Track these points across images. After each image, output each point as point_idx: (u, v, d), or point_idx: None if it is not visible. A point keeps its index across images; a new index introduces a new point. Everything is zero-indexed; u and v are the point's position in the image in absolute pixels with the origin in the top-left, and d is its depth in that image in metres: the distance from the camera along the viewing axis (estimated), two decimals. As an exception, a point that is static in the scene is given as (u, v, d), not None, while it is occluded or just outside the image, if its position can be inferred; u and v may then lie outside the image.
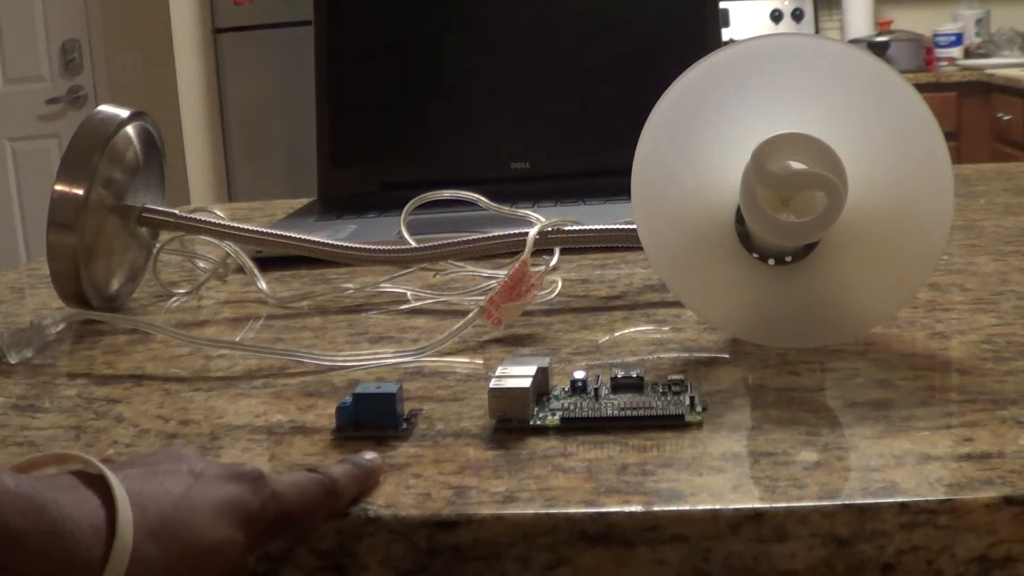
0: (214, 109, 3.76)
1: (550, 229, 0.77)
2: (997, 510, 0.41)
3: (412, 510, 0.43)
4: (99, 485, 0.37)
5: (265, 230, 0.80)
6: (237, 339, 0.71)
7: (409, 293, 0.79)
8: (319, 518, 0.43)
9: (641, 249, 0.62)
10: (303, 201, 1.20)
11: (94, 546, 0.35)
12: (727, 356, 0.61)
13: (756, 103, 0.58)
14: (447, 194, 0.84)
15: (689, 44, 1.12)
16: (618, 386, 0.53)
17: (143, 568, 0.35)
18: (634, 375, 0.54)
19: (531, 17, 1.16)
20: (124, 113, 0.78)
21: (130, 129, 0.79)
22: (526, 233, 0.75)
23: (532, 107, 1.15)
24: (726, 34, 3.69)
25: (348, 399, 0.52)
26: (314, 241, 0.79)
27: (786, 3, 3.99)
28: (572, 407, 0.52)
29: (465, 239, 0.77)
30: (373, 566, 0.43)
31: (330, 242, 0.79)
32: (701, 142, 0.59)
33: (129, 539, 0.35)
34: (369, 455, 0.46)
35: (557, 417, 0.51)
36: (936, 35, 3.88)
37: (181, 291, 0.85)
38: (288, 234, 0.80)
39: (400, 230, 0.83)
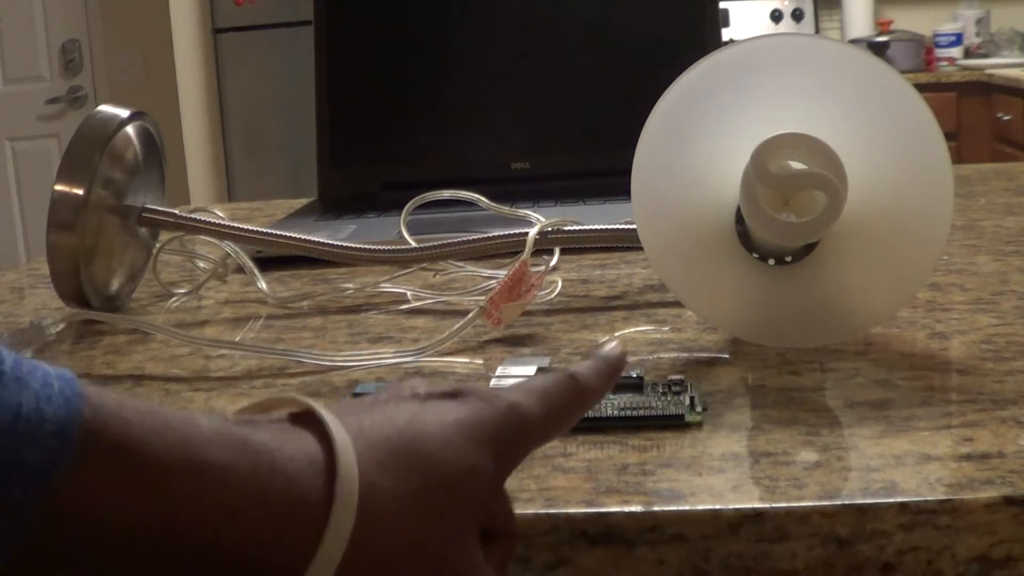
0: (214, 109, 3.76)
1: (550, 229, 0.77)
2: (997, 510, 0.41)
3: (412, 510, 0.43)
4: (312, 422, 0.33)
5: (265, 230, 0.80)
6: (237, 339, 0.71)
7: (409, 293, 0.79)
8: (570, 421, 0.38)
9: (641, 249, 0.62)
10: (303, 201, 1.20)
11: (314, 483, 0.31)
12: (727, 356, 0.61)
13: (756, 103, 0.58)
14: (447, 194, 0.84)
15: (689, 44, 1.12)
16: (618, 386, 0.53)
17: (378, 505, 0.31)
18: (634, 375, 0.54)
19: (531, 17, 1.16)
20: (124, 113, 0.78)
21: (130, 129, 0.79)
22: (526, 233, 0.75)
23: (532, 107, 1.15)
24: (726, 34, 3.69)
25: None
26: (314, 241, 0.79)
27: (786, 3, 3.99)
28: (572, 407, 0.52)
29: (465, 239, 0.77)
30: (373, 566, 0.43)
31: (330, 242, 0.79)
32: (701, 142, 0.59)
33: (354, 473, 0.31)
34: (610, 345, 0.41)
35: (557, 417, 0.51)
36: (936, 35, 3.88)
37: (181, 291, 0.85)
38: (288, 234, 0.80)
39: (400, 230, 0.83)
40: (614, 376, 0.41)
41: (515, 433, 0.35)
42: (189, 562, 0.29)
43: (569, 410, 0.38)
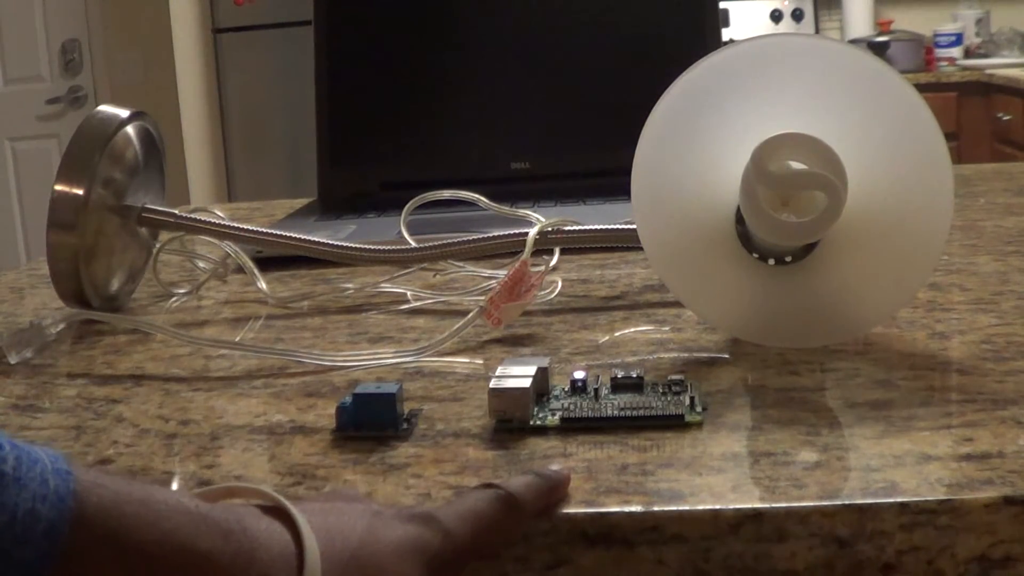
0: (214, 109, 3.76)
1: (550, 229, 0.77)
2: (997, 510, 0.41)
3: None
4: (282, 516, 0.36)
5: (265, 230, 0.80)
6: (237, 339, 0.71)
7: (409, 293, 0.79)
8: (503, 539, 0.41)
9: (641, 249, 0.62)
10: (303, 201, 1.20)
11: (285, 574, 0.34)
12: (727, 356, 0.61)
13: (756, 103, 0.58)
14: (447, 194, 0.84)
15: (689, 44, 1.12)
16: (618, 386, 0.53)
17: None
18: (634, 375, 0.54)
19: (531, 17, 1.16)
20: (124, 113, 0.78)
21: (130, 129, 0.79)
22: (526, 233, 0.75)
23: (532, 107, 1.14)
24: (726, 34, 3.69)
25: (348, 399, 0.52)
26: (314, 241, 0.79)
27: (786, 3, 3.98)
28: (572, 407, 0.52)
29: (465, 239, 0.77)
30: (373, 566, 0.43)
31: (330, 242, 0.79)
32: (701, 142, 0.59)
33: (318, 569, 0.35)
34: (555, 467, 0.44)
35: (557, 417, 0.51)
36: (936, 35, 3.87)
37: (181, 291, 0.85)
38: (288, 234, 0.80)
39: (400, 230, 0.83)
40: (553, 496, 0.43)
41: (448, 557, 0.39)
42: None
43: (501, 530, 0.41)
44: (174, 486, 0.47)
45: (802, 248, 0.58)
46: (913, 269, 0.59)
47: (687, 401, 0.51)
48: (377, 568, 0.36)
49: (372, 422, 0.51)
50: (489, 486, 0.42)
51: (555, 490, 0.43)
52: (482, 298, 0.66)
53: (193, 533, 0.33)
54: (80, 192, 0.73)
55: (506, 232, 0.77)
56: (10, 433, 0.54)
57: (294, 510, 0.36)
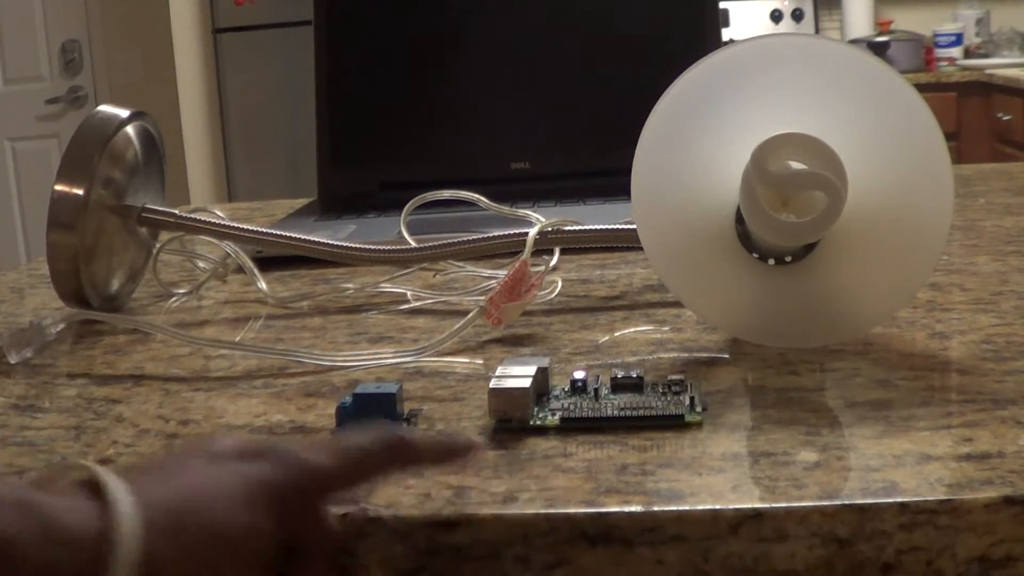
0: (214, 109, 3.76)
1: (550, 229, 0.77)
2: (997, 510, 0.41)
3: (412, 510, 0.43)
4: (99, 489, 0.35)
5: (265, 230, 0.80)
6: (237, 339, 0.71)
7: (409, 293, 0.79)
8: (376, 473, 0.40)
9: (641, 249, 0.62)
10: (303, 201, 1.20)
11: (96, 550, 0.33)
12: (727, 356, 0.61)
13: (756, 103, 0.58)
14: (447, 194, 0.84)
15: (689, 44, 1.12)
16: (618, 386, 0.53)
17: (156, 570, 0.33)
18: (634, 375, 0.54)
19: (531, 17, 1.16)
20: (124, 113, 0.78)
21: (130, 129, 0.79)
22: (526, 233, 0.75)
23: (532, 107, 1.14)
24: (726, 34, 3.69)
25: (348, 399, 0.52)
26: (314, 241, 0.79)
27: (786, 3, 3.98)
28: (572, 407, 0.52)
29: (465, 239, 0.77)
30: (373, 566, 0.43)
31: (330, 242, 0.79)
32: (701, 142, 0.59)
33: (132, 540, 0.33)
34: (462, 436, 0.44)
35: (557, 417, 0.51)
36: (936, 35, 3.87)
37: (181, 291, 0.85)
38: (288, 234, 0.80)
39: (400, 230, 0.83)
40: (450, 455, 0.42)
41: (304, 490, 0.37)
42: None
43: (375, 464, 0.40)
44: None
45: (802, 248, 0.58)
46: (913, 269, 0.59)
47: (687, 401, 0.51)
48: (211, 523, 0.35)
49: (372, 422, 0.51)
50: (377, 429, 0.42)
51: (453, 451, 0.43)
52: (482, 298, 0.66)
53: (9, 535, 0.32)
54: (80, 192, 0.73)
55: (506, 232, 0.77)
56: (10, 433, 0.54)
57: (106, 477, 0.35)
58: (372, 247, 0.78)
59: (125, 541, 0.33)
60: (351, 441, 0.40)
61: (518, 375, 0.52)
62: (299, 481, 0.37)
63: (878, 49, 3.65)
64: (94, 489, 0.35)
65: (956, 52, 3.83)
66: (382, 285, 0.81)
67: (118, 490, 0.34)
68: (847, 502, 0.41)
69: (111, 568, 0.33)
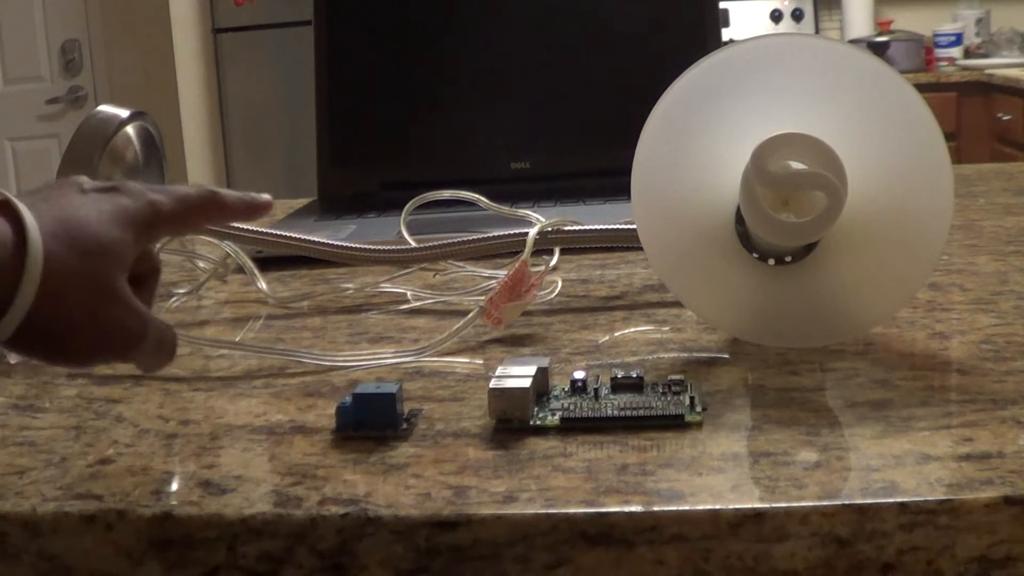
0: (214, 109, 3.76)
1: (550, 229, 0.77)
2: (997, 510, 0.41)
3: (412, 510, 0.43)
4: (6, 210, 0.43)
5: (265, 230, 0.80)
6: (237, 339, 0.71)
7: (409, 293, 0.79)
8: (199, 220, 0.51)
9: (641, 249, 0.62)
10: (303, 201, 1.20)
11: (11, 252, 0.42)
12: (727, 356, 0.61)
13: (756, 103, 0.58)
14: (447, 194, 0.84)
15: (689, 44, 1.12)
16: (618, 386, 0.53)
17: (54, 264, 0.43)
18: (634, 375, 0.54)
19: (531, 17, 1.16)
20: (124, 113, 0.78)
21: (130, 129, 0.79)
22: (526, 233, 0.75)
23: (532, 107, 1.15)
24: (726, 34, 3.69)
25: (348, 399, 0.52)
26: (314, 241, 0.79)
27: (786, 3, 3.99)
28: (572, 407, 0.52)
29: (465, 239, 0.77)
30: (373, 566, 0.43)
31: (330, 242, 0.79)
32: (701, 142, 0.59)
33: (39, 243, 0.42)
34: (263, 195, 0.55)
35: (557, 417, 0.51)
36: (936, 35, 3.88)
37: (181, 291, 0.85)
38: (288, 234, 0.80)
39: (400, 230, 0.83)
40: (251, 210, 0.54)
41: (151, 220, 0.48)
42: None
43: (200, 212, 0.51)
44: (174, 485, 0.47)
45: (802, 248, 0.58)
46: (913, 269, 0.59)
47: (687, 401, 0.51)
48: (87, 232, 0.44)
49: (372, 422, 0.51)
50: (201, 185, 0.52)
51: (255, 207, 0.54)
52: (482, 298, 0.66)
53: None
54: (80, 192, 0.73)
55: (506, 232, 0.77)
56: (10, 433, 0.54)
57: (11, 197, 0.44)
58: (372, 247, 0.78)
59: (34, 244, 0.42)
60: (181, 191, 0.50)
61: (518, 375, 0.52)
62: (146, 212, 0.47)
63: (878, 49, 3.65)
64: (4, 210, 0.43)
65: (956, 52, 3.83)
66: (382, 285, 0.81)
67: (21, 207, 0.43)
68: (847, 502, 0.41)
69: (27, 266, 0.42)
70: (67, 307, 0.44)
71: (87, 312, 0.45)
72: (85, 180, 0.48)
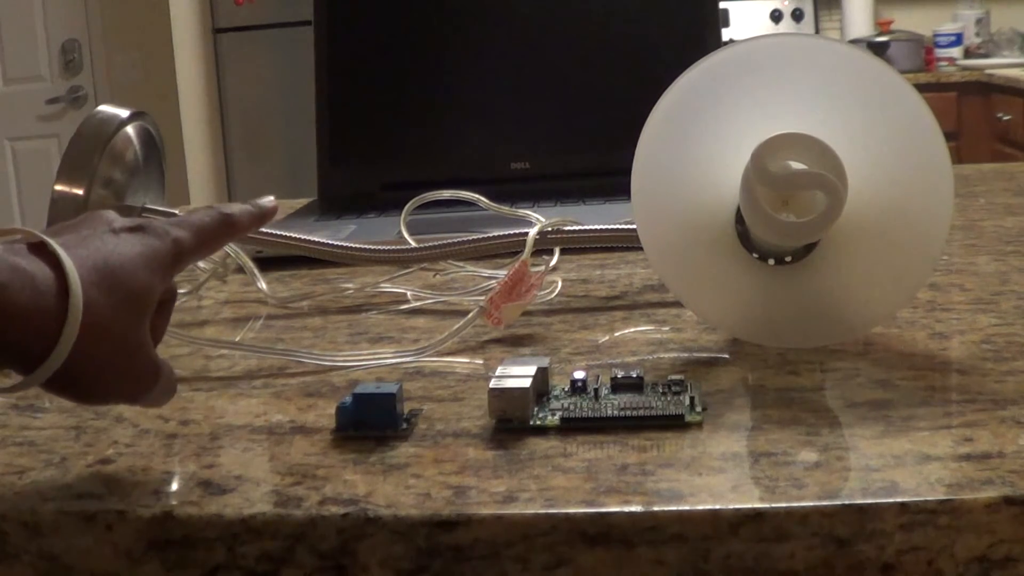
0: (214, 109, 3.76)
1: (550, 229, 0.77)
2: (997, 510, 0.41)
3: (412, 510, 0.43)
4: (44, 251, 0.44)
5: (265, 230, 0.80)
6: (237, 339, 0.71)
7: (409, 293, 0.79)
8: (217, 245, 0.52)
9: (641, 249, 0.62)
10: (303, 201, 1.20)
11: (54, 298, 0.43)
12: (727, 356, 0.61)
13: (756, 103, 0.58)
14: (447, 194, 0.84)
15: (689, 44, 1.12)
16: (618, 386, 0.53)
17: (94, 312, 0.44)
18: (634, 375, 0.54)
19: (531, 17, 1.16)
20: (124, 113, 0.78)
21: (130, 129, 0.79)
22: (526, 233, 0.75)
23: (532, 107, 1.15)
24: (726, 34, 3.69)
25: (348, 399, 0.52)
26: (314, 241, 0.79)
27: (786, 3, 3.99)
28: (572, 407, 0.52)
29: (465, 239, 0.77)
30: (373, 566, 0.43)
31: (330, 242, 0.79)
32: (701, 142, 0.59)
33: (79, 291, 0.43)
34: (267, 199, 0.55)
35: (557, 417, 0.51)
36: (936, 35, 3.88)
37: (181, 291, 0.85)
38: (288, 234, 0.80)
39: (400, 230, 0.83)
40: (261, 220, 0.54)
41: (176, 258, 0.49)
42: None
43: (217, 237, 0.52)
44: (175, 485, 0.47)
45: (802, 248, 0.58)
46: (913, 269, 0.59)
47: (687, 401, 0.51)
48: (124, 279, 0.45)
49: (372, 422, 0.51)
50: (211, 208, 0.52)
51: (265, 216, 0.54)
52: (482, 298, 0.66)
53: None
54: (80, 192, 0.73)
55: (506, 232, 0.77)
56: (10, 433, 0.54)
57: (54, 243, 0.44)
58: (372, 247, 0.78)
59: (75, 295, 0.43)
60: (198, 221, 0.51)
61: (518, 375, 0.52)
62: (172, 252, 0.48)
63: (878, 49, 3.65)
64: (41, 250, 0.44)
65: (956, 52, 3.83)
66: (382, 285, 0.81)
67: (61, 253, 0.44)
68: (847, 502, 0.41)
69: (68, 318, 0.43)
70: (98, 357, 0.45)
71: (113, 362, 0.46)
72: (114, 218, 0.49)
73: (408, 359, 0.63)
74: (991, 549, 0.41)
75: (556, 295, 0.75)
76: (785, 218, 0.55)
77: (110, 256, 0.46)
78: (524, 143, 1.15)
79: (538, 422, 0.51)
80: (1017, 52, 3.81)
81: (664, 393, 0.53)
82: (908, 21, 3.96)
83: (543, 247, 0.77)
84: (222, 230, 0.52)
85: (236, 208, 0.53)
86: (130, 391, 0.48)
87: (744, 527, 0.41)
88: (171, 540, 0.44)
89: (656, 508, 0.42)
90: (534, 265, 0.71)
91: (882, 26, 3.87)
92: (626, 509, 0.42)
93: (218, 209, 0.52)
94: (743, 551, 0.41)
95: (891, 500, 0.41)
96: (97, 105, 0.84)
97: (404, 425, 0.52)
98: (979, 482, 0.42)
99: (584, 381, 0.54)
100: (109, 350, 0.45)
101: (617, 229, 0.78)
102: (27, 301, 0.42)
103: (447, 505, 0.43)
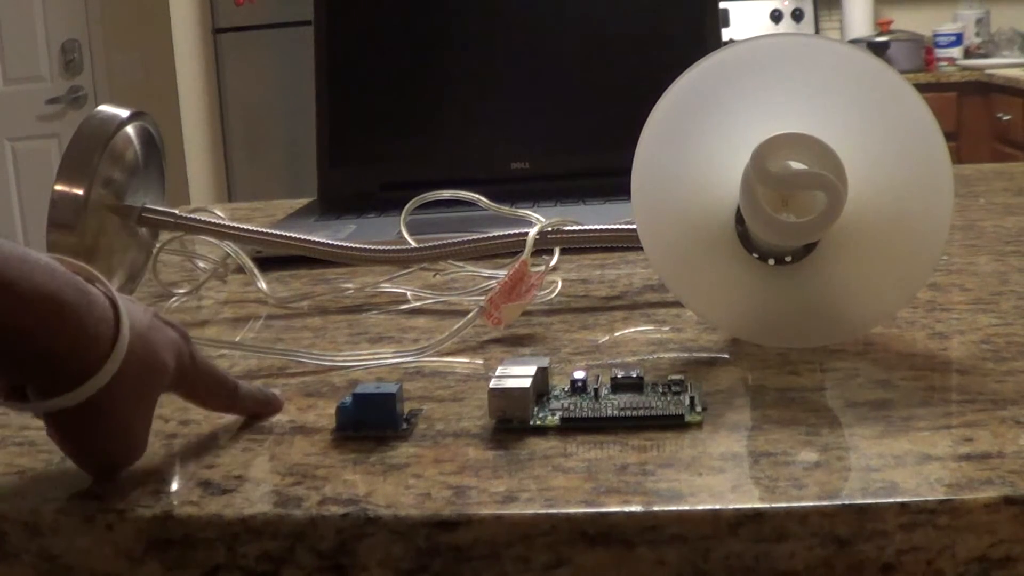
0: (214, 109, 3.76)
1: (550, 229, 0.77)
2: (997, 510, 0.41)
3: (412, 510, 0.43)
4: (115, 304, 0.47)
5: (265, 230, 0.80)
6: (237, 339, 0.71)
7: (409, 293, 0.79)
8: (211, 404, 0.53)
9: (641, 249, 0.62)
10: (303, 201, 1.20)
11: (108, 330, 0.46)
12: (727, 356, 0.61)
13: (756, 103, 0.58)
14: (447, 194, 0.84)
15: (689, 44, 1.12)
16: (618, 386, 0.53)
17: (131, 359, 0.46)
18: (634, 375, 0.54)
19: (531, 17, 1.16)
20: (124, 113, 0.78)
21: (130, 129, 0.78)
22: (526, 233, 0.75)
23: (532, 107, 1.14)
24: (726, 34, 3.69)
25: (348, 399, 0.52)
26: (314, 241, 0.79)
27: (786, 3, 3.99)
28: (572, 407, 0.52)
29: (465, 239, 0.77)
30: (373, 566, 0.43)
31: (330, 242, 0.79)
32: (701, 142, 0.59)
33: (128, 332, 0.46)
34: (276, 391, 0.56)
35: (557, 417, 0.51)
36: (936, 35, 3.88)
37: (181, 291, 0.85)
38: (288, 234, 0.80)
39: (400, 230, 0.83)
40: (263, 407, 0.55)
41: (183, 372, 0.50)
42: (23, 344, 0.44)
43: (217, 400, 0.53)
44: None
45: (802, 248, 0.58)
46: (913, 269, 0.59)
47: (687, 401, 0.51)
48: (155, 349, 0.48)
49: (372, 422, 0.51)
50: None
51: (267, 405, 0.55)
52: (482, 298, 0.66)
53: (64, 286, 0.44)
54: (80, 192, 0.73)
55: (506, 232, 0.77)
56: (10, 433, 0.54)
57: (108, 284, 0.47)
58: (372, 247, 0.78)
59: (123, 342, 0.46)
60: (213, 366, 0.53)
61: (518, 375, 0.52)
62: (187, 363, 0.50)
63: (878, 49, 3.65)
64: (112, 302, 0.47)
65: (956, 52, 3.83)
66: (382, 285, 0.81)
67: (124, 309, 0.47)
68: (847, 502, 0.41)
69: (116, 346, 0.45)
70: (116, 401, 0.46)
71: (122, 413, 0.47)
72: (154, 311, 0.52)
73: (408, 359, 0.63)
74: (991, 549, 0.41)
75: (556, 295, 0.75)
76: (785, 218, 0.55)
77: (151, 325, 0.49)
78: (524, 143, 1.14)
79: (538, 422, 0.51)
80: (1017, 52, 3.81)
81: (664, 393, 0.53)
82: (908, 21, 3.96)
83: (543, 247, 0.77)
84: (223, 394, 0.53)
85: (249, 386, 0.54)
86: (114, 452, 0.48)
87: (744, 527, 0.41)
88: (171, 540, 0.44)
89: (656, 508, 0.42)
90: (534, 265, 0.71)
91: (882, 26, 3.87)
92: (626, 509, 0.42)
93: (233, 380, 0.54)
94: (743, 551, 0.41)
95: (891, 500, 0.41)
96: (97, 105, 0.84)
97: (404, 425, 0.52)
98: (979, 482, 0.42)
99: (584, 381, 0.54)
100: (124, 404, 0.47)
101: (617, 229, 0.78)
102: (87, 322, 0.45)
103: (447, 505, 0.43)
